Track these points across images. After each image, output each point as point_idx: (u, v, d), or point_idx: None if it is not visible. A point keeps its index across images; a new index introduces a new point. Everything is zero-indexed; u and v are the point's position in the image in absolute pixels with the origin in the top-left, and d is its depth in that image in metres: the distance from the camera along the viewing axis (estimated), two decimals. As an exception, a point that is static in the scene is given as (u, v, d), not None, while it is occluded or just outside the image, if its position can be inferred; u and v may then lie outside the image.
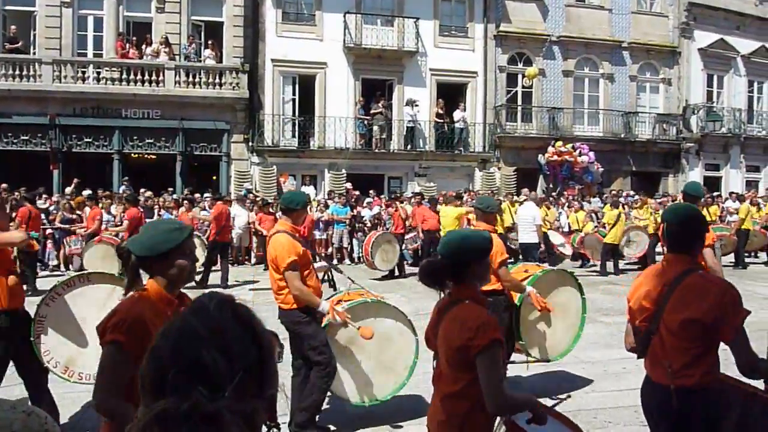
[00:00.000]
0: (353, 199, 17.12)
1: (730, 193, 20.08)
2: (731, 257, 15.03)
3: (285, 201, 4.90)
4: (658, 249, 15.35)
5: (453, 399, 2.49)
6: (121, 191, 16.58)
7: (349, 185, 18.91)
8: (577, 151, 20.14)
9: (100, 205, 14.70)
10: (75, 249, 13.04)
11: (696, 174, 24.30)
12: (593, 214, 16.63)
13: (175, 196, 16.58)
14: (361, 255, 16.12)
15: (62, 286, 4.73)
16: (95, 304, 4.60)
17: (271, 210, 14.49)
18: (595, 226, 15.55)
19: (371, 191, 17.81)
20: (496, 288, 5.07)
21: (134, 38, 18.87)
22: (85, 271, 5.45)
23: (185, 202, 14.16)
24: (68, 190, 16.21)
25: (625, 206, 16.34)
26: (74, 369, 4.67)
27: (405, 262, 14.62)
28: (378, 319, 5.02)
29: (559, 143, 20.45)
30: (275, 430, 1.08)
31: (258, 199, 16.32)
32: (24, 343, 4.47)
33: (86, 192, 15.31)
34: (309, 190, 18.97)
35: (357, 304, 4.94)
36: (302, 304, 4.55)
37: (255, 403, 0.98)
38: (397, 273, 13.68)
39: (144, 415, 0.92)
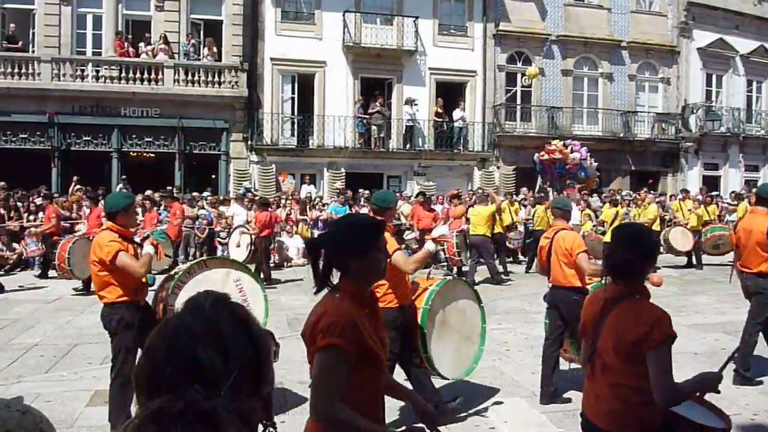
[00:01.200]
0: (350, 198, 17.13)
1: (731, 193, 20.08)
2: (731, 256, 15.03)
3: (378, 200, 5.00)
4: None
5: (626, 390, 2.58)
6: (118, 189, 16.55)
7: (338, 185, 18.92)
8: (569, 149, 20.11)
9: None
10: (32, 251, 12.87)
11: (695, 173, 24.33)
12: (592, 213, 16.63)
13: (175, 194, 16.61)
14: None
15: (185, 275, 4.94)
16: (213, 288, 4.70)
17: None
18: (594, 225, 15.55)
19: (347, 191, 17.71)
20: (580, 284, 5.42)
21: (131, 36, 18.84)
22: (203, 258, 5.82)
23: (146, 202, 14.09)
24: (78, 193, 16.03)
25: (623, 205, 16.34)
26: None
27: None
28: (456, 294, 5.29)
29: (557, 141, 20.43)
30: (271, 429, 1.08)
31: (256, 198, 16.32)
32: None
33: (76, 188, 15.37)
34: (309, 189, 18.98)
35: (442, 283, 5.13)
36: (405, 300, 4.73)
37: (251, 401, 0.98)
38: None
39: (139, 413, 0.92)
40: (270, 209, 13.53)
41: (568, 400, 5.49)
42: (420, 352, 4.84)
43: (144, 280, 4.80)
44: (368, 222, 2.42)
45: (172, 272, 5.08)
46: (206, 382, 0.94)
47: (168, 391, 0.92)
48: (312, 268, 2.32)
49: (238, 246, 12.42)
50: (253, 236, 12.26)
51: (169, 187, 17.46)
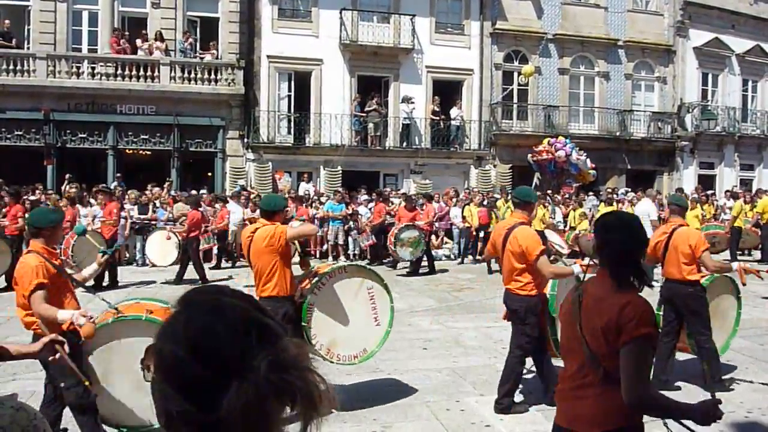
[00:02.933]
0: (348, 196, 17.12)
1: (726, 192, 20.14)
2: (726, 254, 15.08)
3: (521, 195, 5.41)
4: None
5: None
6: (112, 187, 16.50)
7: (305, 184, 18.92)
8: (552, 147, 20.13)
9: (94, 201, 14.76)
10: None
11: (690, 172, 24.38)
12: (587, 212, 16.64)
13: (172, 192, 16.60)
14: (356, 252, 16.14)
15: (326, 276, 5.27)
16: (348, 293, 5.32)
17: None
18: (591, 225, 15.56)
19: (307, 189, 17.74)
20: (697, 278, 5.72)
21: (127, 33, 18.77)
22: (344, 263, 6.42)
23: (65, 199, 13.99)
24: (73, 190, 15.89)
25: (620, 204, 16.37)
26: (335, 351, 5.23)
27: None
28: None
29: (546, 141, 20.41)
30: None
31: (253, 196, 16.30)
32: (297, 327, 5.04)
33: (69, 185, 15.32)
34: (307, 187, 18.94)
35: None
36: (543, 289, 5.19)
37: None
38: None
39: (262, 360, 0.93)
40: (201, 208, 13.14)
41: (677, 389, 5.73)
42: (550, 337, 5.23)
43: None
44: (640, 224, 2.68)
45: (314, 270, 5.50)
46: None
47: (262, 350, 0.93)
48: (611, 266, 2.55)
49: (168, 238, 12.17)
50: (180, 237, 11.93)
51: (167, 183, 17.44)
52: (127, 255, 14.95)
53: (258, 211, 14.75)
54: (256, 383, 0.90)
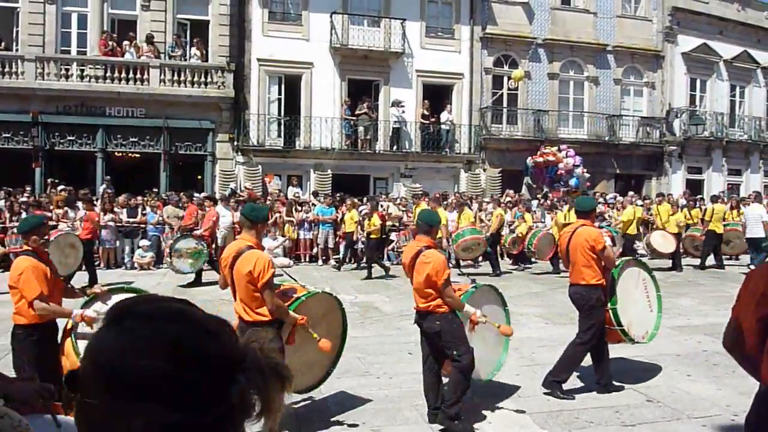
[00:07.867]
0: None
1: (712, 197, 20.25)
2: (712, 259, 15.20)
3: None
4: (640, 250, 15.52)
5: None
6: (101, 191, 16.42)
7: (293, 188, 18.84)
8: (562, 153, 20.21)
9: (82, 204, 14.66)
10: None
11: (679, 177, 24.57)
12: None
13: (164, 195, 16.52)
14: (346, 256, 16.12)
15: (619, 270, 6.24)
16: (631, 282, 6.34)
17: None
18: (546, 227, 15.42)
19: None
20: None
21: (115, 35, 18.69)
22: (629, 257, 7.44)
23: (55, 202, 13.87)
24: (63, 193, 15.66)
25: (609, 207, 16.46)
26: (632, 330, 6.12)
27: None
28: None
29: (551, 147, 20.48)
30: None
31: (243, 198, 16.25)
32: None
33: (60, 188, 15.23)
34: (296, 190, 18.92)
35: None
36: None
37: None
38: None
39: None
40: None
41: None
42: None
43: None
44: None
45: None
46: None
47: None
48: None
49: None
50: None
51: (155, 189, 17.36)
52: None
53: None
54: (259, 368, 0.90)
